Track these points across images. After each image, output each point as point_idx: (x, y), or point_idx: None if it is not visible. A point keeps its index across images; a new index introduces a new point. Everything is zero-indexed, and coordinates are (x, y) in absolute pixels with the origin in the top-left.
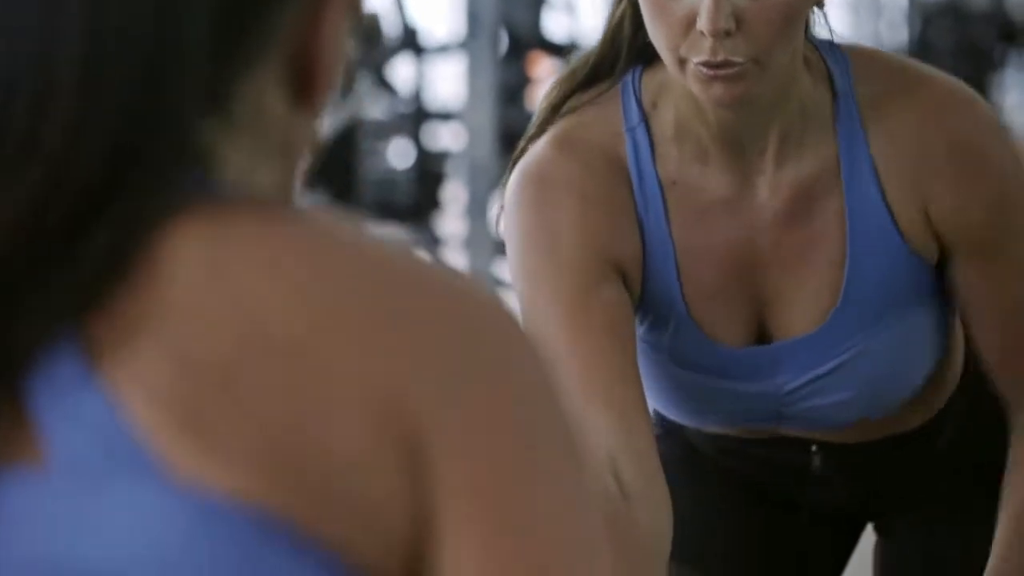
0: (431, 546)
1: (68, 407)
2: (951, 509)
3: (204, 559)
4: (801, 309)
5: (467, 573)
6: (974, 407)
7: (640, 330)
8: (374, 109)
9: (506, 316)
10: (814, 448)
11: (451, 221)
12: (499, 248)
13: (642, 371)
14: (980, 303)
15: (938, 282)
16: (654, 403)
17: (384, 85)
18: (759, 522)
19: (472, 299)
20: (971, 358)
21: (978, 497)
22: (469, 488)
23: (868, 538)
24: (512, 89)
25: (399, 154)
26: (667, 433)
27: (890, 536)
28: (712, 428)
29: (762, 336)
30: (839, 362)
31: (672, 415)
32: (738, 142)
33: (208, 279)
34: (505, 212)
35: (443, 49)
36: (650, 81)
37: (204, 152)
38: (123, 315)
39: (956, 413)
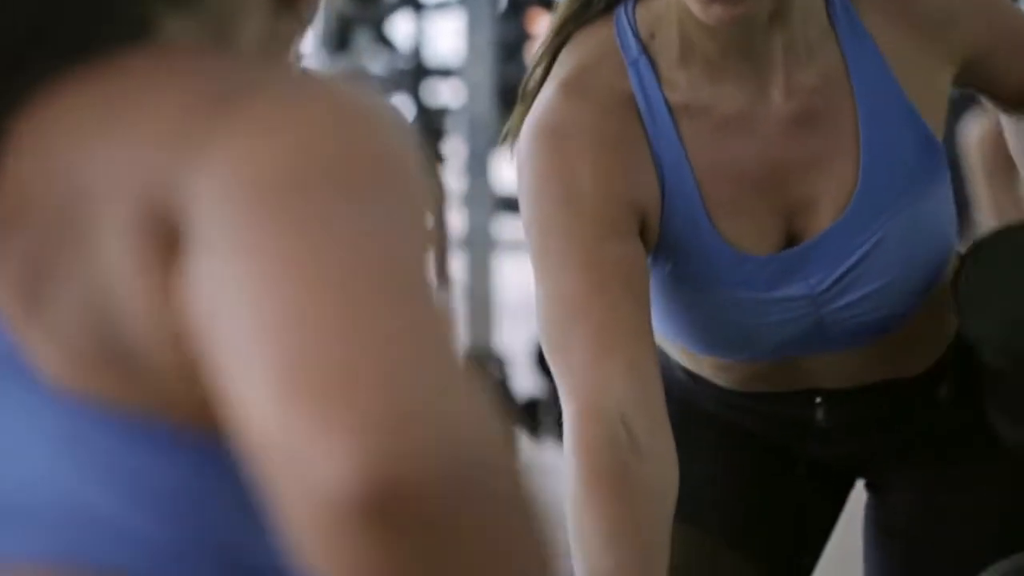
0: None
1: None
2: (948, 460)
3: (82, 460)
4: (825, 207)
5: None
6: (970, 363)
7: (666, 268)
8: (374, 65)
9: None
10: (818, 400)
11: (451, 177)
12: (499, 204)
13: (672, 310)
14: None
15: (945, 166)
16: (687, 343)
17: (384, 41)
18: (756, 477)
19: (268, 78)
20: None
21: (977, 446)
22: (228, 246)
23: (856, 502)
24: (511, 45)
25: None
26: (665, 391)
27: (885, 491)
28: (740, 366)
29: (791, 242)
30: (866, 250)
31: (707, 352)
32: (747, 55)
33: (48, 155)
34: (518, 164)
35: (442, 5)
36: (644, 13)
37: (143, 24)
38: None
39: (953, 365)
